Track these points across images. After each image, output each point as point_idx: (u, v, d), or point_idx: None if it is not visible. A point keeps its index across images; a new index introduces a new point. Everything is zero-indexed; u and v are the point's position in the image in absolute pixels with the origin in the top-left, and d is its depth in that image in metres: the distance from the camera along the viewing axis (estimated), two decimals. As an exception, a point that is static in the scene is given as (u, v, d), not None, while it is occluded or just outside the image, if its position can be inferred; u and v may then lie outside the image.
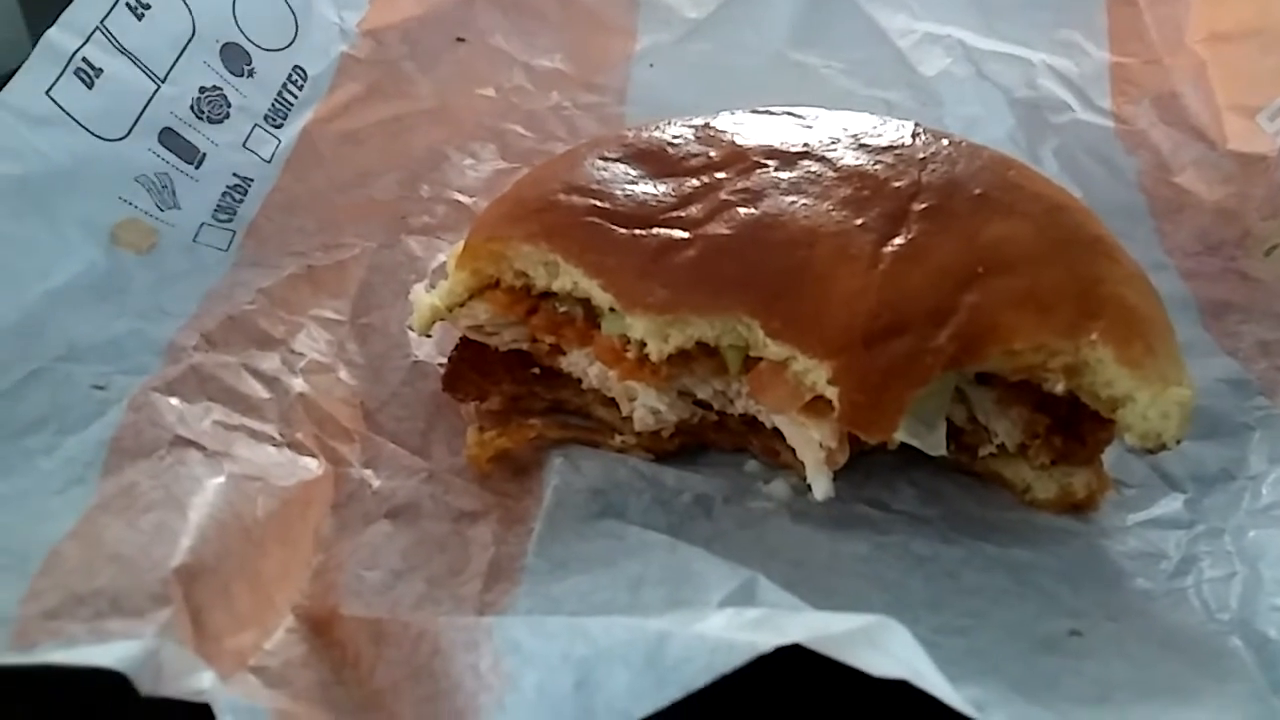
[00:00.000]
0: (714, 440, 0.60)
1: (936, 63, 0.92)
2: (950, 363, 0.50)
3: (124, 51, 0.68)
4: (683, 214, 0.56)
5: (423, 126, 0.83)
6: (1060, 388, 0.52)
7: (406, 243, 0.73)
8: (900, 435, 0.52)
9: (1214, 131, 0.83)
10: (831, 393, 0.50)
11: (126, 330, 0.59)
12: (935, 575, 0.52)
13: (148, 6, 0.70)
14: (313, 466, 0.55)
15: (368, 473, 0.57)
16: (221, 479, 0.50)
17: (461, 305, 0.59)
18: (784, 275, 0.52)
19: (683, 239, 0.54)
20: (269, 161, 0.75)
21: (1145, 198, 0.81)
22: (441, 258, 0.72)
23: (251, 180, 0.73)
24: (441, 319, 0.59)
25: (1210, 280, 0.73)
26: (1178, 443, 0.51)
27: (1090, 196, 0.78)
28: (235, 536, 0.47)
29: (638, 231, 0.55)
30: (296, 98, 0.78)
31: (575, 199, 0.57)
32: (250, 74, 0.76)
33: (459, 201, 0.78)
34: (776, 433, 0.57)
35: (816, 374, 0.51)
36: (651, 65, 0.94)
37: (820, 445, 0.54)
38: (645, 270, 0.54)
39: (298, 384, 0.59)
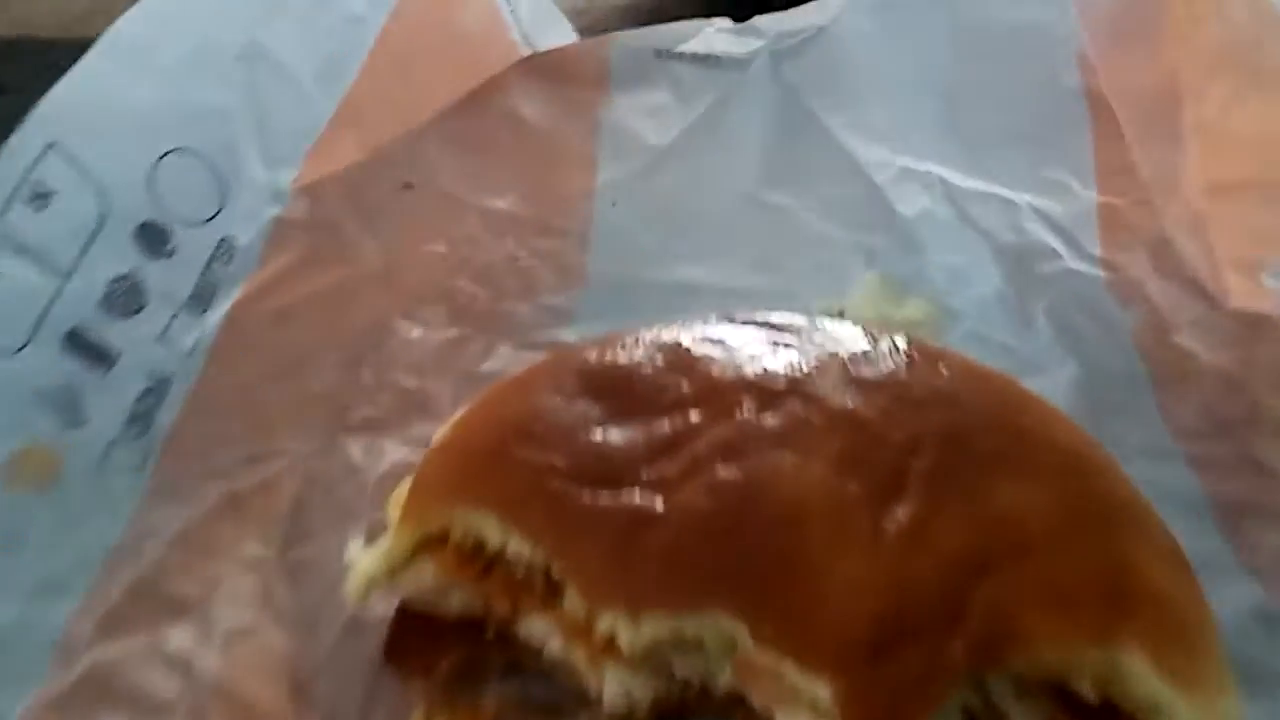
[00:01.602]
0: (696, 710, 0.54)
1: (916, 201, 0.86)
2: (965, 674, 0.44)
3: (23, 250, 0.61)
4: (655, 474, 0.49)
5: (366, 294, 0.76)
6: (1089, 693, 0.45)
7: (345, 447, 0.66)
8: (910, 757, 0.45)
9: (1214, 286, 0.77)
10: (830, 714, 0.44)
11: (13, 620, 0.51)
12: None
13: (47, 195, 0.62)
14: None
15: (295, 773, 0.50)
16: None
17: (404, 566, 0.52)
18: (773, 565, 0.46)
19: (655, 514, 0.48)
20: (190, 353, 0.67)
21: (1144, 364, 0.75)
22: (384, 465, 0.65)
23: (170, 379, 0.66)
24: (381, 586, 0.52)
25: (1223, 472, 0.67)
26: (1224, 754, 0.45)
27: (1086, 365, 0.74)
28: None
29: (604, 499, 0.48)
30: (222, 276, 0.71)
31: (531, 454, 0.50)
32: (170, 254, 0.68)
33: (404, 388, 0.70)
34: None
35: (814, 690, 0.45)
36: (614, 203, 0.88)
37: (820, 744, 0.47)
38: (614, 556, 0.47)
39: (212, 666, 0.52)
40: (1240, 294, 0.76)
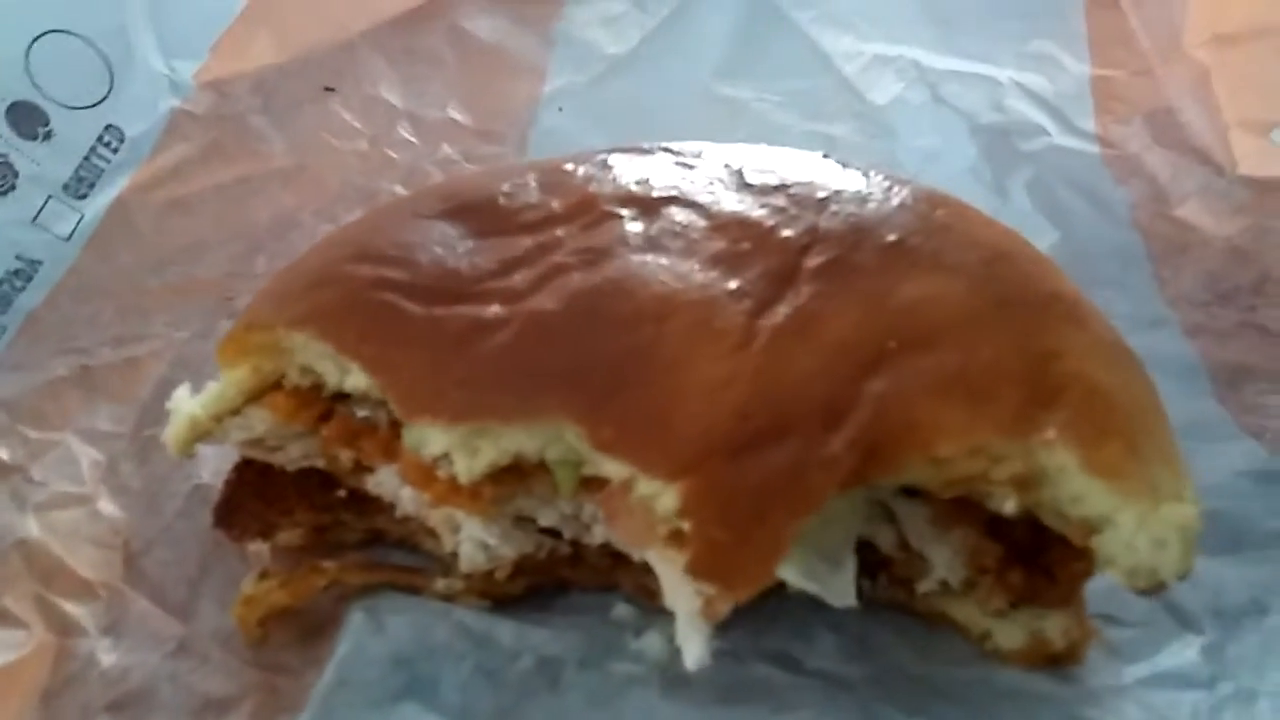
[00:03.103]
0: (572, 578, 0.46)
1: (888, 88, 0.78)
2: (850, 478, 0.36)
3: None
4: (502, 285, 0.42)
5: (272, 190, 0.70)
6: (1010, 506, 0.37)
7: (222, 330, 0.59)
8: (791, 579, 0.37)
9: (1220, 153, 0.68)
10: (684, 526, 0.36)
11: None
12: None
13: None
14: (16, 642, 0.41)
15: (104, 643, 0.43)
16: None
17: (235, 413, 0.45)
18: (621, 363, 0.38)
19: (496, 318, 0.40)
20: (68, 239, 0.62)
21: (1140, 237, 0.66)
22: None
23: (40, 263, 0.60)
24: (208, 434, 0.45)
25: (1222, 338, 0.58)
26: (1181, 578, 0.36)
27: (1072, 237, 0.65)
28: None
29: (438, 311, 0.41)
30: (109, 162, 0.65)
31: (364, 269, 0.43)
32: (47, 137, 0.63)
33: (302, 277, 0.64)
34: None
35: (664, 499, 0.37)
36: (561, 109, 0.81)
37: (695, 590, 0.39)
38: (439, 364, 0.40)
39: (24, 526, 0.46)
40: (1250, 158, 0.67)
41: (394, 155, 0.75)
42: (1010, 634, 0.42)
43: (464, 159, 0.77)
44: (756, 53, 0.82)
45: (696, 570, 0.35)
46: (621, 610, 0.45)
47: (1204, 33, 0.71)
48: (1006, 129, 0.73)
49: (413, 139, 0.77)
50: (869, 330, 0.38)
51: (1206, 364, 0.56)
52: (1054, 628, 0.41)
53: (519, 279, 0.42)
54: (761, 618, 0.42)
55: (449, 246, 0.44)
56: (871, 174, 0.46)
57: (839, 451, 0.36)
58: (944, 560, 0.40)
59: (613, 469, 0.38)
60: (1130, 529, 0.35)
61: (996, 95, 0.76)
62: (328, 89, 0.77)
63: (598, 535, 0.44)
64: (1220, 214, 0.66)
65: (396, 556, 0.47)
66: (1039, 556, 0.40)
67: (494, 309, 0.41)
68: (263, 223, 0.67)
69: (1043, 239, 0.64)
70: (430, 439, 0.40)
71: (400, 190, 0.73)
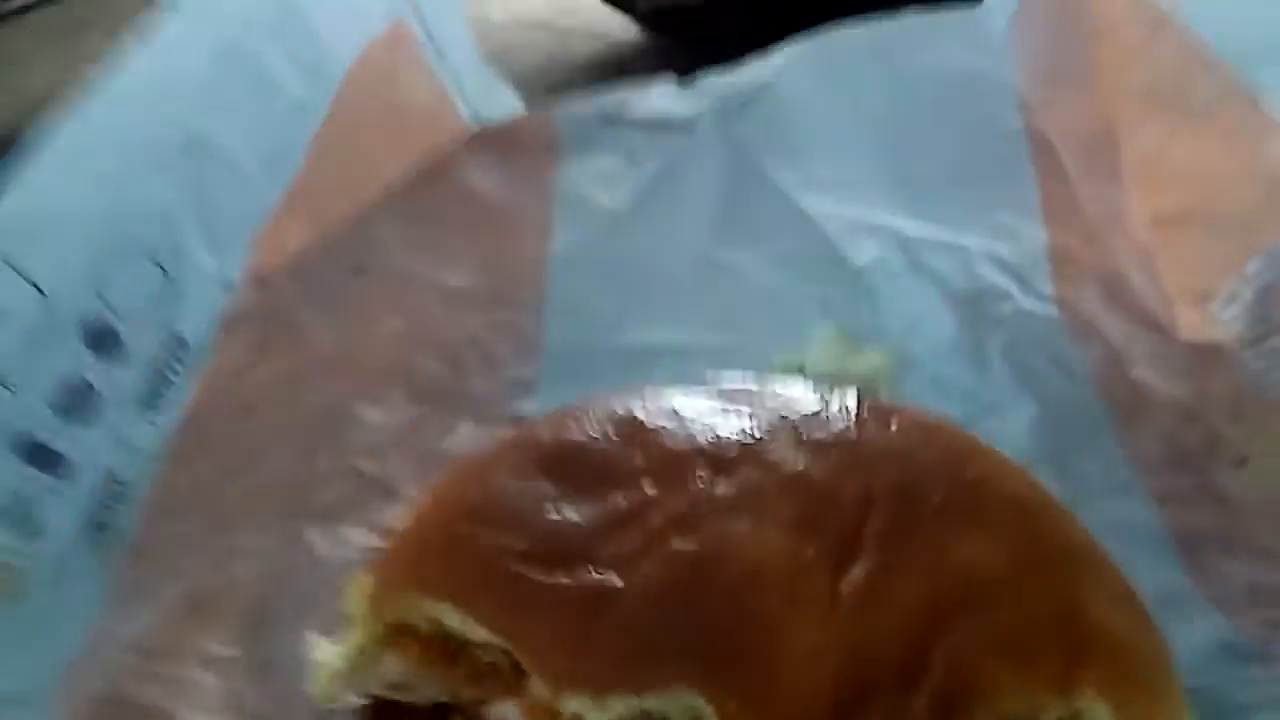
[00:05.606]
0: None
1: (868, 251, 0.86)
2: (930, 732, 0.44)
3: (-31, 364, 0.60)
4: (614, 550, 0.49)
5: (319, 379, 0.75)
6: (1051, 745, 0.45)
7: (307, 536, 0.65)
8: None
9: (1165, 319, 0.78)
10: (798, 787, 0.44)
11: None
12: None
13: (-3, 310, 0.62)
14: None
15: None
16: None
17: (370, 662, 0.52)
18: (731, 634, 0.46)
19: (613, 589, 0.48)
20: (149, 455, 0.67)
21: (1102, 399, 0.75)
22: (346, 553, 0.64)
23: (129, 483, 0.65)
24: (348, 685, 0.52)
25: (1183, 504, 0.67)
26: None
27: (1049, 408, 0.74)
28: None
29: (561, 578, 0.48)
30: (177, 372, 0.70)
31: (484, 535, 0.50)
32: (121, 355, 0.68)
33: (363, 472, 0.70)
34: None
35: (781, 760, 0.44)
36: (569, 267, 0.88)
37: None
38: (572, 637, 0.47)
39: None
40: (1190, 325, 0.77)
41: (426, 331, 0.82)
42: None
43: (487, 328, 0.83)
44: (745, 214, 0.90)
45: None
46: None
47: (1143, 211, 0.80)
48: (979, 295, 0.82)
49: (439, 310, 0.84)
50: (931, 593, 0.46)
51: (1172, 533, 0.65)
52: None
53: (627, 544, 0.49)
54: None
55: (554, 506, 0.51)
56: (908, 418, 0.54)
57: (922, 713, 0.44)
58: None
59: (735, 733, 0.45)
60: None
61: (967, 262, 0.84)
62: (358, 270, 0.83)
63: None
64: (1168, 376, 0.75)
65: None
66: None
67: (610, 577, 0.48)
68: (316, 416, 0.73)
69: (1023, 411, 0.73)
70: (565, 701, 0.47)
71: (436, 366, 0.79)
